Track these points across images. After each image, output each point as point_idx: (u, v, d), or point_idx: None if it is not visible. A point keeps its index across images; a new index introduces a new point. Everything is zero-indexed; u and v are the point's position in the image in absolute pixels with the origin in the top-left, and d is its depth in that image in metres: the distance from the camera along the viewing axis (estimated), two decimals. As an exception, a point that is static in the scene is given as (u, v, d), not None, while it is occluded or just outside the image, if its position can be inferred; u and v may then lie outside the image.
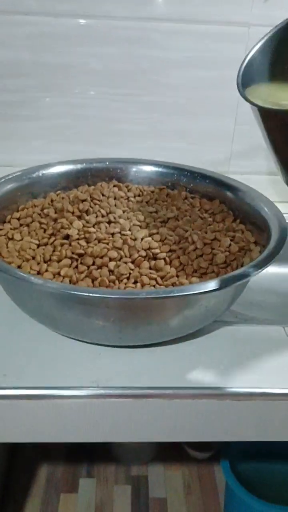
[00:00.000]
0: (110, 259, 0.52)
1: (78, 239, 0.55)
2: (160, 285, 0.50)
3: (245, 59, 0.52)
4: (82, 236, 0.55)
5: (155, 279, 0.51)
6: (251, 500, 0.88)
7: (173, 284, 0.50)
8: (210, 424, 0.50)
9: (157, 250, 0.54)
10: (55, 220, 0.61)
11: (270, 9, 0.75)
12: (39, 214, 0.63)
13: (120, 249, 0.53)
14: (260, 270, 0.47)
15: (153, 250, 0.54)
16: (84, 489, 1.11)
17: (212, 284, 0.45)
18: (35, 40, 0.77)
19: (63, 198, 0.66)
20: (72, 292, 0.42)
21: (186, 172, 0.72)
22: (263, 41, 0.53)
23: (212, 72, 0.80)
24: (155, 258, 0.54)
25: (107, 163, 0.72)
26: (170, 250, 0.55)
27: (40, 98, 0.81)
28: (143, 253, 0.53)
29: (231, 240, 0.57)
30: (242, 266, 0.54)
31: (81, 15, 0.75)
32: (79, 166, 0.71)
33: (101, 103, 0.82)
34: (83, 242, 0.55)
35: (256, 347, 0.53)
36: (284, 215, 0.58)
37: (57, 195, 0.68)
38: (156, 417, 0.49)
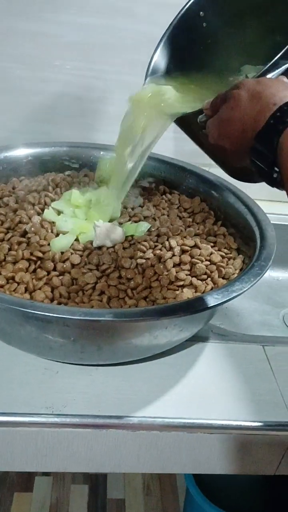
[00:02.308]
0: (73, 265, 0.45)
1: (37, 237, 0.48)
2: (130, 297, 0.44)
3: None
4: (44, 234, 0.48)
5: (125, 291, 0.44)
6: (212, 510, 0.84)
7: (145, 298, 0.44)
8: (178, 457, 0.44)
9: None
10: (15, 211, 0.53)
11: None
12: (-2, 203, 0.55)
13: (82, 251, 0.47)
14: (246, 289, 0.41)
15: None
16: (40, 488, 1.05)
17: (189, 305, 0.39)
18: (4, 1, 0.67)
19: (26, 185, 0.59)
20: (25, 310, 0.35)
21: (165, 164, 0.65)
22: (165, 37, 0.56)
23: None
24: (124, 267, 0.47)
25: (79, 148, 0.65)
26: (143, 257, 0.48)
27: (7, 69, 0.72)
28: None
29: (212, 247, 0.51)
30: (224, 278, 0.48)
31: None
32: (47, 149, 0.64)
33: (77, 80, 0.73)
34: (43, 242, 0.48)
35: (232, 369, 0.48)
36: (273, 215, 0.54)
37: (20, 181, 0.60)
38: (118, 449, 0.43)
